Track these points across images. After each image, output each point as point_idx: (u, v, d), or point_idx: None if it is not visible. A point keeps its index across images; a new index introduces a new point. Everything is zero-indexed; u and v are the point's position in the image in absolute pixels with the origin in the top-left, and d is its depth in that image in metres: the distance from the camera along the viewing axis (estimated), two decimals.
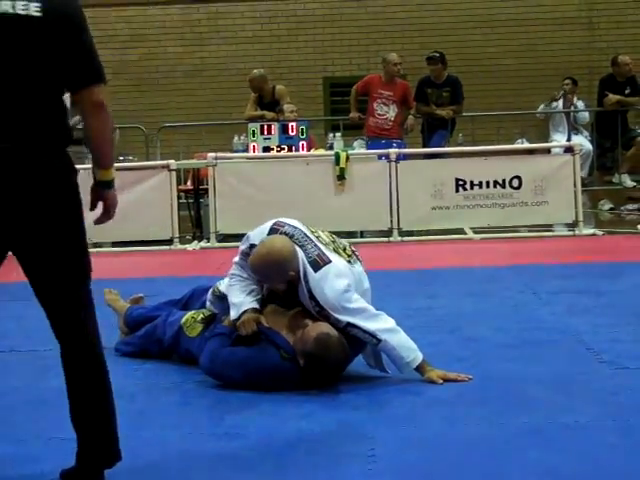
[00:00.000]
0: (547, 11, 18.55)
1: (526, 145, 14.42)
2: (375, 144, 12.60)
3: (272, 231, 5.15)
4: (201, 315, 5.55)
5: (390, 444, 4.11)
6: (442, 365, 5.11)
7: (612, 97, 13.62)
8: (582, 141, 14.08)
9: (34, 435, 4.34)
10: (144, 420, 4.59)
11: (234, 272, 5.24)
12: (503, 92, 18.18)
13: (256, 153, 11.83)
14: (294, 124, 11.94)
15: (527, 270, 8.64)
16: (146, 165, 12.32)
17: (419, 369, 5.01)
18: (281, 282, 5.08)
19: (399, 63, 12.90)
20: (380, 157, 11.55)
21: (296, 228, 5.17)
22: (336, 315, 4.95)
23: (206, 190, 11.65)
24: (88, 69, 3.49)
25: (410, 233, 11.35)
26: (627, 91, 13.75)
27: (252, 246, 5.12)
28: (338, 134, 13.23)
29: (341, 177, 11.08)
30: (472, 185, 11.16)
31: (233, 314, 5.13)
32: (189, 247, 11.18)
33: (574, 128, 15.01)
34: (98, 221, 3.65)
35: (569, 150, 11.78)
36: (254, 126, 11.99)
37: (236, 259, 5.27)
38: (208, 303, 5.61)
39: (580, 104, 15.39)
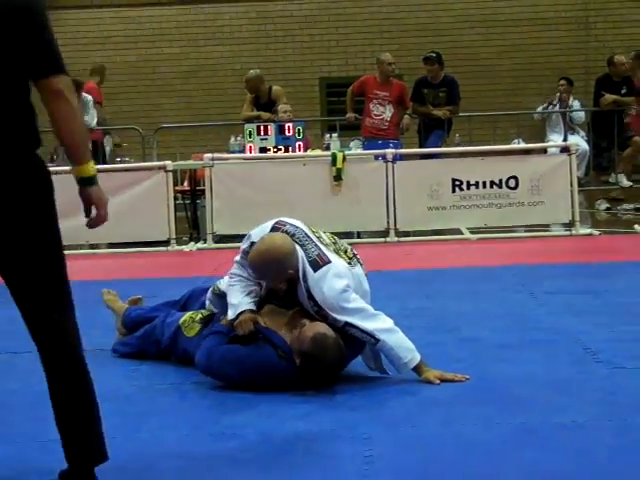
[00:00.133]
0: (543, 11, 18.58)
1: (522, 145, 14.42)
2: (372, 144, 12.61)
3: (273, 230, 5.16)
4: (200, 315, 5.55)
5: (387, 444, 4.12)
6: (439, 365, 5.11)
7: (608, 97, 13.64)
8: (578, 141, 14.11)
9: (31, 437, 4.34)
10: (142, 421, 4.59)
11: (234, 271, 5.24)
12: (499, 92, 18.20)
13: (253, 154, 11.83)
14: (290, 125, 11.93)
15: (524, 270, 8.64)
16: (143, 166, 12.29)
17: (416, 369, 5.02)
18: (279, 280, 5.08)
19: (393, 63, 12.90)
20: (377, 157, 11.55)
21: (297, 227, 5.18)
22: (334, 315, 4.95)
23: (203, 191, 11.64)
24: (46, 60, 3.41)
25: (407, 233, 11.36)
26: (623, 91, 13.77)
27: (253, 244, 5.13)
28: (335, 134, 13.23)
29: (338, 178, 11.08)
30: (469, 185, 11.16)
31: (230, 314, 5.14)
32: (186, 248, 11.17)
33: (570, 128, 15.03)
34: (89, 225, 3.57)
35: (565, 150, 11.78)
36: (251, 127, 11.99)
37: (237, 258, 5.28)
38: (208, 302, 5.62)
39: (576, 104, 15.40)
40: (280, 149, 11.81)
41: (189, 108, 18.26)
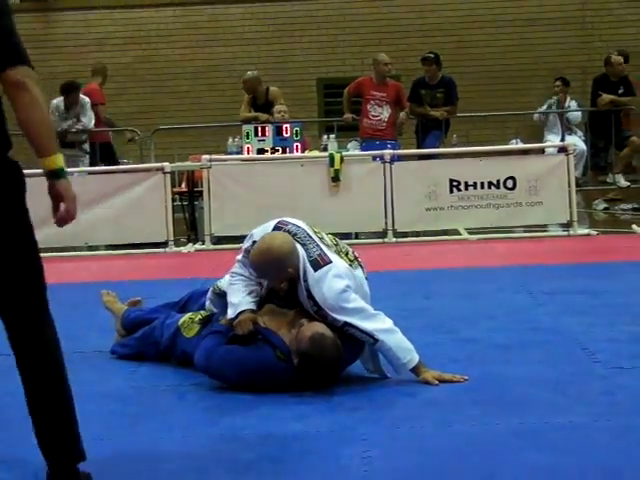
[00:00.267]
0: (541, 11, 18.58)
1: (520, 145, 14.44)
2: (369, 145, 12.60)
3: (276, 229, 5.17)
4: (199, 316, 5.56)
5: (385, 445, 4.12)
6: (437, 366, 5.12)
7: (605, 97, 13.63)
8: (576, 141, 14.12)
9: (28, 439, 4.33)
10: (140, 422, 4.59)
11: (236, 270, 5.24)
12: (497, 92, 18.20)
13: (250, 155, 11.82)
14: (288, 126, 11.93)
15: (522, 270, 8.64)
16: (140, 168, 12.28)
17: (415, 370, 5.02)
18: (280, 279, 5.07)
19: (389, 63, 12.87)
20: (374, 158, 11.55)
21: (299, 227, 5.18)
22: (334, 315, 4.95)
23: (201, 192, 11.63)
24: (6, 51, 3.37)
25: (405, 234, 11.36)
26: (620, 91, 13.77)
27: (255, 243, 5.13)
28: (332, 135, 13.21)
29: (336, 178, 11.08)
30: (466, 186, 11.16)
31: (230, 313, 5.14)
32: (184, 249, 11.17)
33: (568, 128, 15.04)
34: (58, 223, 3.46)
35: (563, 150, 11.78)
36: (248, 128, 11.98)
37: (239, 257, 5.28)
38: (208, 302, 5.62)
39: (573, 104, 15.41)
40: (278, 150, 11.81)
41: (187, 109, 18.26)
